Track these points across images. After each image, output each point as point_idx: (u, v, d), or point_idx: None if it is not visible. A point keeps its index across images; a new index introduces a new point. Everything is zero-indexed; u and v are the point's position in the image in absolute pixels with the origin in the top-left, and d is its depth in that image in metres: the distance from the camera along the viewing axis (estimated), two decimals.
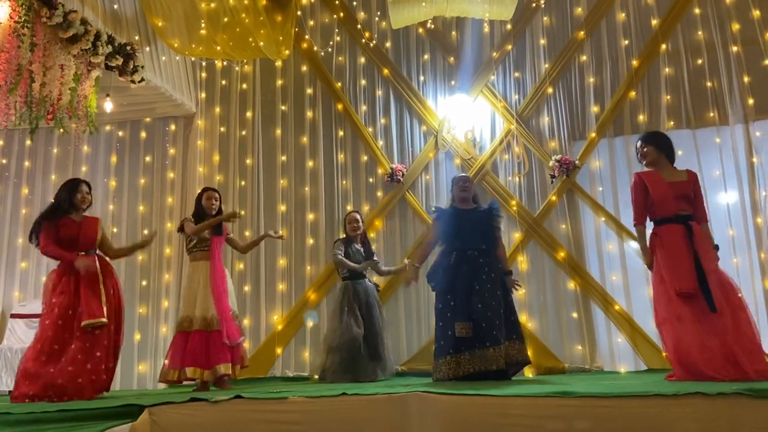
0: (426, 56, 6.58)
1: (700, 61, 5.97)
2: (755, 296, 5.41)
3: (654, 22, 6.13)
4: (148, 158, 6.75)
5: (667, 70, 6.02)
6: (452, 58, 6.50)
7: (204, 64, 6.80)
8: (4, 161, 6.83)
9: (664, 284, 3.72)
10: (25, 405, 3.59)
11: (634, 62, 6.08)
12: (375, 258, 5.25)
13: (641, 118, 5.98)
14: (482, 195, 6.06)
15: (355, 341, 4.82)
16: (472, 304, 4.10)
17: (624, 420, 2.54)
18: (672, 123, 5.91)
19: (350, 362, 4.77)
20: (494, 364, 3.97)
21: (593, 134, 6.04)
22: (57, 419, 2.84)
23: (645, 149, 4.06)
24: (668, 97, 5.97)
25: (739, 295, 3.67)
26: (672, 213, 3.83)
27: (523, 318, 5.76)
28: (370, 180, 6.44)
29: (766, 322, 5.37)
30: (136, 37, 5.66)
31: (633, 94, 6.05)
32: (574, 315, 5.78)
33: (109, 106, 5.46)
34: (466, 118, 6.31)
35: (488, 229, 4.42)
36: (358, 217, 5.31)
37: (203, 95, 6.79)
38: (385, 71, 6.56)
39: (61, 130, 5.08)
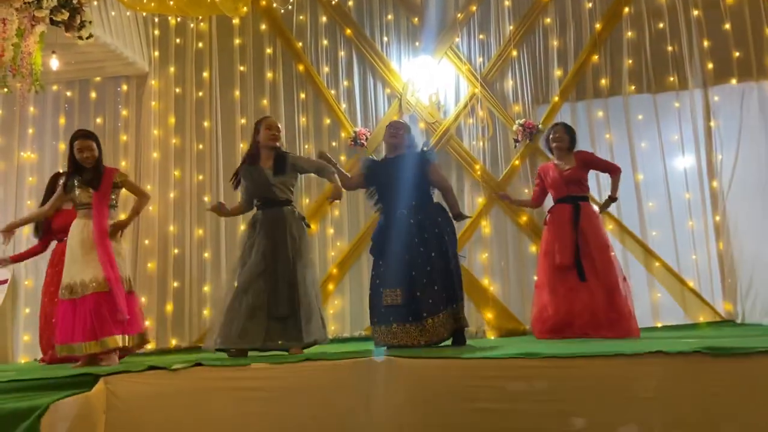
0: (390, 16, 6.40)
1: (661, 25, 5.98)
2: (709, 258, 5.57)
3: None
4: (99, 120, 6.43)
5: (629, 33, 6.02)
6: (416, 19, 6.35)
7: (156, 20, 6.46)
8: None
9: (548, 256, 4.55)
10: None
11: (597, 25, 6.05)
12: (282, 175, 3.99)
13: (603, 82, 5.98)
14: (446, 160, 6.04)
15: (236, 294, 3.82)
16: (405, 273, 3.78)
17: (587, 379, 2.57)
18: (633, 87, 5.94)
19: (231, 323, 3.75)
20: (434, 336, 3.69)
21: (556, 98, 6.02)
22: (4, 390, 2.72)
23: (564, 134, 4.73)
24: (630, 61, 5.98)
25: (616, 269, 4.44)
26: (563, 195, 4.63)
27: (485, 281, 5.83)
28: (333, 144, 6.30)
29: (719, 283, 5.56)
30: None
31: (596, 57, 6.03)
32: (535, 278, 5.84)
33: (55, 63, 5.13)
34: (431, 80, 6.20)
35: (419, 180, 3.92)
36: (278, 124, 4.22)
37: (156, 54, 6.48)
38: (348, 31, 6.37)
39: (5, 89, 4.77)
